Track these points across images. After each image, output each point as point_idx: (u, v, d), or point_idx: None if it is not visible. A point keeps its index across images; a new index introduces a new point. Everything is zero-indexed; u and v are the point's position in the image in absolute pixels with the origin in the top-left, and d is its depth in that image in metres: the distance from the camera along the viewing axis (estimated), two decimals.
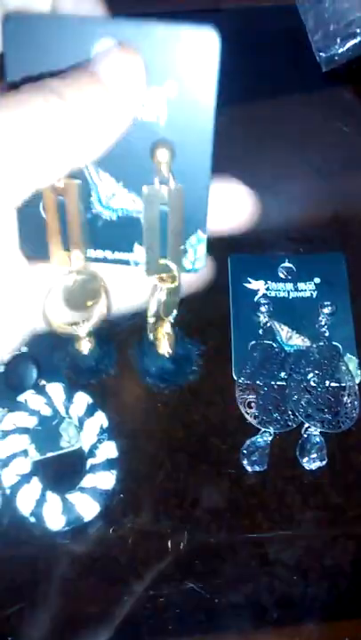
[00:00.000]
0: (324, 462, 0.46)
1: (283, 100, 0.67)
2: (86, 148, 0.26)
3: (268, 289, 0.52)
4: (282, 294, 0.52)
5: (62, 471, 0.47)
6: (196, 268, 0.31)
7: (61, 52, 0.26)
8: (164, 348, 0.33)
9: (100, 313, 0.31)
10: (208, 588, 0.43)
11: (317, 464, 0.45)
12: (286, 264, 0.53)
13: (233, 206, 0.30)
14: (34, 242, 0.30)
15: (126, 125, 0.26)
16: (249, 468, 0.46)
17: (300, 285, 0.52)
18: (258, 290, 0.51)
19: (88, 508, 0.44)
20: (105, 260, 0.30)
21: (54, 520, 0.44)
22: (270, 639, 0.43)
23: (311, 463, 0.45)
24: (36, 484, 0.45)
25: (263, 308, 0.50)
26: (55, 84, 0.25)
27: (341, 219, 0.60)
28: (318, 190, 0.63)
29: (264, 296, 0.51)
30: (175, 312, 0.32)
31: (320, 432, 0.46)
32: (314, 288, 0.52)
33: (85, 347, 0.33)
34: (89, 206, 0.29)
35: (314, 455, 0.45)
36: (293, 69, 0.68)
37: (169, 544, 0.44)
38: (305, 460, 0.46)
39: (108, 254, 0.30)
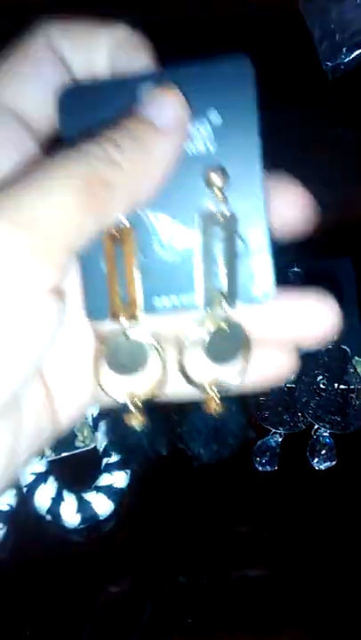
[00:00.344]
0: (333, 462, 0.47)
1: (289, 107, 0.68)
2: (142, 189, 0.27)
3: None
4: None
5: (77, 470, 0.48)
6: (266, 294, 0.28)
7: (115, 110, 0.27)
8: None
9: (154, 380, 0.29)
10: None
11: (327, 464, 0.46)
12: (295, 269, 0.54)
13: (289, 209, 0.29)
14: (97, 303, 0.29)
15: (175, 162, 0.27)
16: (260, 469, 0.47)
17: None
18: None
19: (103, 507, 0.45)
20: (174, 309, 0.29)
21: (71, 518, 0.45)
22: None
23: (321, 463, 0.47)
24: (52, 483, 0.46)
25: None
26: (110, 134, 0.26)
27: (346, 225, 0.61)
28: (322, 197, 0.64)
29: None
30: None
31: (329, 433, 0.47)
32: None
33: (136, 421, 0.29)
34: (152, 252, 0.29)
35: (324, 455, 0.46)
36: (300, 77, 0.69)
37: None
38: (315, 459, 0.47)
39: (175, 300, 0.28)
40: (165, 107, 0.27)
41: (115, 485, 0.46)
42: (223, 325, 0.28)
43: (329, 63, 0.67)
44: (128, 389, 0.29)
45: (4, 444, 0.27)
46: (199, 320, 0.28)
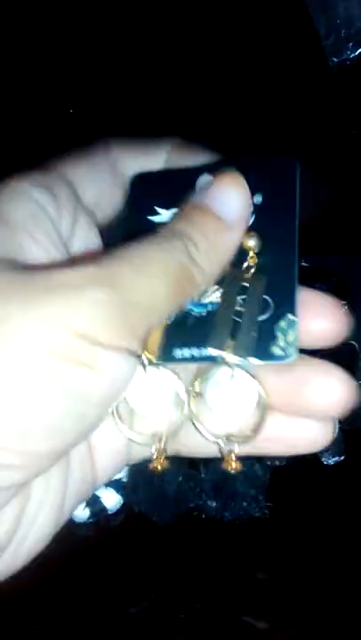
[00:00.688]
0: (342, 457, 0.47)
1: (294, 103, 0.68)
2: (212, 278, 0.28)
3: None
4: None
5: None
6: (289, 355, 0.28)
7: (172, 191, 0.30)
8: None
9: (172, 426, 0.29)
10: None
11: (336, 459, 0.47)
12: (302, 264, 0.54)
13: (323, 322, 0.30)
14: None
15: (237, 245, 0.29)
16: (268, 463, 0.47)
17: (317, 286, 0.53)
18: None
19: (112, 501, 0.46)
20: (193, 359, 0.29)
21: (79, 512, 0.45)
22: None
23: (330, 458, 0.47)
24: None
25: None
26: (187, 230, 0.28)
27: (351, 221, 0.61)
28: (328, 191, 0.64)
29: None
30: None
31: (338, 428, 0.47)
32: (329, 288, 0.53)
33: (160, 466, 0.29)
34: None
35: (332, 450, 0.47)
36: (305, 73, 0.69)
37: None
38: (324, 454, 0.47)
39: (195, 352, 0.29)
40: (232, 201, 0.29)
41: (123, 480, 0.46)
42: (230, 376, 0.29)
43: (335, 59, 0.67)
44: (151, 429, 0.30)
45: (54, 497, 0.27)
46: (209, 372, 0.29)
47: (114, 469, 0.30)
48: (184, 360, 0.29)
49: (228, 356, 0.28)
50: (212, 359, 0.29)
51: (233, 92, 0.68)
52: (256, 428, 0.29)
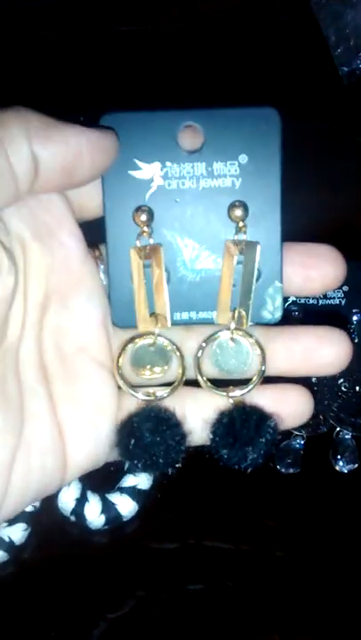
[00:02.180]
0: (356, 465, 0.47)
1: (303, 112, 0.68)
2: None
3: (297, 297, 0.53)
4: (311, 301, 0.53)
5: (100, 471, 0.48)
6: (275, 318, 0.33)
7: (151, 141, 0.31)
8: None
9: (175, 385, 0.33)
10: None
11: (350, 466, 0.47)
12: None
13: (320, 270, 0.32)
14: (124, 311, 0.32)
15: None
16: (283, 471, 0.47)
17: (329, 293, 0.53)
18: (288, 297, 0.53)
19: (127, 508, 0.46)
20: (190, 321, 0.33)
21: (95, 519, 0.45)
22: None
23: (344, 466, 0.47)
24: (76, 484, 0.46)
25: (293, 315, 0.51)
26: None
27: (354, 228, 0.61)
28: (331, 201, 0.64)
29: (294, 303, 0.53)
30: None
31: (352, 436, 0.47)
32: (342, 295, 0.53)
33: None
34: (175, 271, 0.32)
35: (346, 458, 0.47)
36: (314, 83, 0.69)
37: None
38: (338, 462, 0.47)
39: (193, 315, 0.33)
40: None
41: (139, 487, 0.46)
42: (233, 338, 0.33)
43: (345, 68, 0.68)
44: (146, 389, 0.33)
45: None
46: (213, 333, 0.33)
47: (89, 468, 0.33)
48: (181, 322, 0.33)
49: (231, 323, 0.32)
50: (208, 321, 0.32)
51: (240, 101, 0.68)
52: (255, 381, 0.33)
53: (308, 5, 0.68)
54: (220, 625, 0.43)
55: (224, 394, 0.33)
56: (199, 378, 0.33)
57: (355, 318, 0.51)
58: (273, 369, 0.33)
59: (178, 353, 0.33)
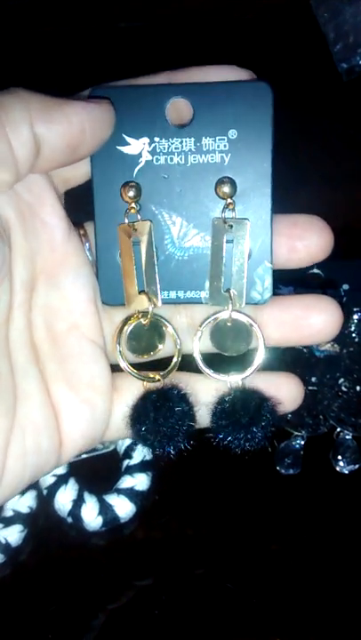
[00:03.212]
0: (357, 465, 0.46)
1: (303, 109, 0.68)
2: None
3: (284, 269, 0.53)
4: None
5: (97, 472, 0.48)
6: (264, 299, 0.32)
7: (139, 116, 0.30)
8: None
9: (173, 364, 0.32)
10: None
11: (351, 467, 0.46)
12: (314, 270, 0.54)
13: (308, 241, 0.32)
14: (112, 289, 0.32)
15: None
16: (283, 472, 0.47)
17: (329, 292, 0.53)
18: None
19: (124, 509, 0.45)
20: (178, 300, 0.32)
21: (92, 520, 0.45)
22: None
23: (345, 467, 0.46)
24: (73, 485, 0.45)
25: None
26: None
27: (355, 227, 0.61)
28: (332, 198, 0.63)
29: None
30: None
31: (352, 436, 0.47)
32: (342, 294, 0.52)
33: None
34: (163, 248, 0.31)
35: (347, 458, 0.46)
36: (314, 79, 0.69)
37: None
38: (339, 463, 0.46)
39: (181, 294, 0.32)
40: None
41: (136, 488, 0.46)
42: (229, 319, 0.32)
43: (344, 65, 0.67)
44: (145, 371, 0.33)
45: None
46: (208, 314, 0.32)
47: (85, 448, 0.32)
48: (169, 301, 0.32)
49: (229, 304, 0.31)
50: (195, 300, 0.32)
51: None
52: (256, 365, 0.32)
53: (308, 2, 0.67)
54: (219, 627, 0.43)
55: (224, 379, 0.32)
56: (199, 362, 0.32)
57: (355, 317, 0.50)
58: (265, 340, 0.32)
59: (173, 333, 0.32)
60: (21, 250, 0.29)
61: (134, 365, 0.33)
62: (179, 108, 0.31)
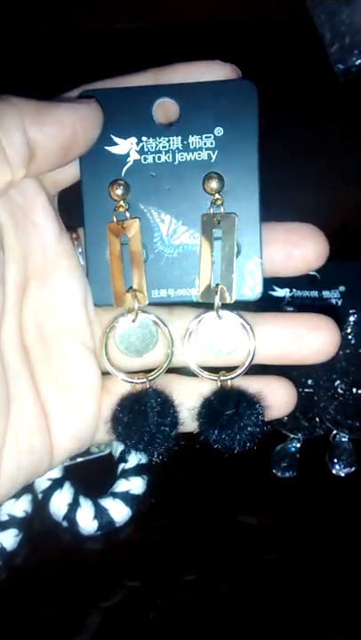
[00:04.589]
0: (353, 468, 0.46)
1: (299, 110, 0.68)
2: None
3: (293, 295, 0.52)
4: (307, 301, 0.52)
5: (93, 476, 0.47)
6: (255, 295, 0.31)
7: (126, 117, 0.31)
8: None
9: (164, 363, 0.32)
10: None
11: (347, 470, 0.46)
12: (311, 272, 0.53)
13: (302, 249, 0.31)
14: (103, 289, 0.31)
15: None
16: (279, 474, 0.46)
17: (325, 293, 0.52)
18: (284, 296, 0.52)
19: (120, 513, 0.45)
20: (168, 299, 0.32)
21: (87, 524, 0.44)
22: None
23: (341, 469, 0.46)
24: (68, 489, 0.45)
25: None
26: None
27: (351, 228, 0.60)
28: (328, 199, 0.63)
29: (289, 303, 0.52)
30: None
31: (349, 439, 0.47)
32: (339, 296, 0.52)
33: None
34: (152, 247, 0.31)
35: (344, 461, 0.46)
36: (310, 80, 0.69)
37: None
38: (335, 466, 0.46)
39: (171, 292, 0.32)
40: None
41: (132, 491, 0.45)
42: (219, 315, 0.31)
43: (340, 66, 0.67)
44: (135, 368, 0.32)
45: None
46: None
47: (76, 451, 0.32)
48: (159, 300, 0.32)
49: (216, 299, 0.31)
50: (186, 299, 0.31)
51: None
52: (244, 361, 0.32)
53: (304, 3, 0.67)
54: (215, 631, 0.43)
55: (214, 378, 0.32)
56: (189, 361, 0.32)
57: (351, 319, 0.50)
58: (261, 356, 0.32)
59: (164, 329, 0.32)
60: (14, 252, 0.29)
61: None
62: (165, 108, 0.31)
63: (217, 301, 0.31)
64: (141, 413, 0.31)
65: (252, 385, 0.32)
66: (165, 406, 0.31)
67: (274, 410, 0.32)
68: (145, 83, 0.31)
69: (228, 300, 0.31)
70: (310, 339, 0.31)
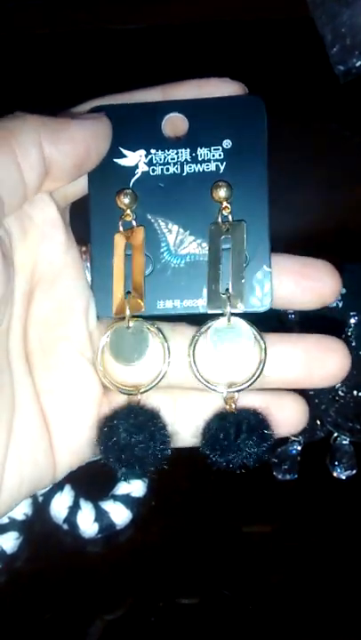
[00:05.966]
0: (354, 471, 0.46)
1: (300, 111, 0.67)
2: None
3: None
4: None
5: (93, 479, 0.47)
6: (264, 305, 0.31)
7: (136, 131, 0.31)
8: None
9: (159, 372, 0.31)
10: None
11: (348, 472, 0.46)
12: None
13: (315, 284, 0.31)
14: (108, 302, 0.31)
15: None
16: (280, 477, 0.46)
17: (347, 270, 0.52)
18: None
19: (121, 516, 0.45)
20: (174, 310, 0.31)
21: (88, 527, 0.44)
22: None
23: (342, 472, 0.46)
24: (68, 492, 0.45)
25: (289, 318, 0.51)
26: None
27: (351, 229, 0.60)
28: (328, 201, 0.63)
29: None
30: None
31: (349, 441, 0.47)
32: (339, 298, 0.52)
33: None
34: (159, 257, 0.31)
35: (344, 464, 0.46)
36: (311, 81, 0.69)
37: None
38: (336, 468, 0.46)
39: (178, 303, 0.31)
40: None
41: (132, 494, 0.45)
42: (229, 323, 0.30)
43: (341, 67, 0.67)
44: (132, 380, 0.31)
45: None
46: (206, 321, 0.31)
47: (76, 464, 0.33)
48: (166, 311, 0.31)
49: (225, 308, 0.30)
50: (193, 310, 0.31)
51: None
52: (255, 374, 0.30)
53: (305, 4, 0.67)
54: (216, 633, 0.43)
55: (221, 391, 0.31)
56: (194, 370, 0.31)
57: (352, 321, 0.50)
58: (271, 379, 0.31)
59: (158, 334, 0.31)
60: (23, 261, 0.29)
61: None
62: (174, 123, 0.31)
63: (228, 310, 0.30)
64: (114, 432, 0.30)
65: (261, 399, 0.31)
66: (144, 423, 0.30)
67: (284, 427, 0.31)
68: (154, 98, 0.31)
69: (238, 308, 0.30)
70: (325, 362, 0.31)
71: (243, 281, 0.30)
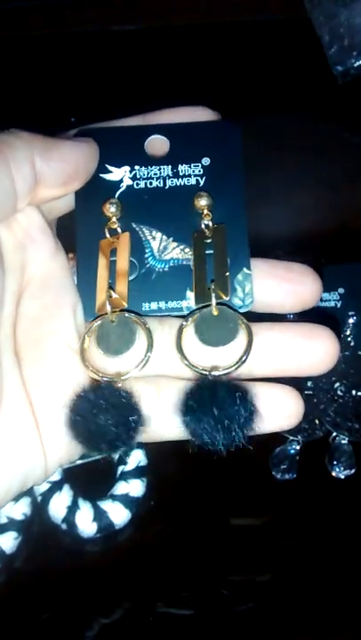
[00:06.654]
0: (353, 470, 0.46)
1: (298, 111, 0.68)
2: None
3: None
4: None
5: (92, 478, 0.47)
6: (246, 304, 0.32)
7: (121, 151, 0.34)
8: None
9: (142, 358, 0.31)
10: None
11: (347, 472, 0.46)
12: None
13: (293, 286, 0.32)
14: (92, 305, 0.32)
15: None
16: (278, 477, 0.46)
17: (325, 295, 0.52)
18: None
19: (120, 516, 0.45)
20: (160, 311, 0.33)
21: (87, 527, 0.44)
22: None
23: (341, 471, 0.46)
24: (67, 492, 0.45)
25: (287, 317, 0.51)
26: None
27: (350, 230, 0.60)
28: (327, 201, 0.63)
29: None
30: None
31: (348, 441, 0.47)
32: (338, 298, 0.52)
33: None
34: (143, 262, 0.33)
35: (343, 463, 0.46)
36: (309, 82, 0.69)
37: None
38: (335, 468, 0.46)
39: (162, 305, 0.33)
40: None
41: (131, 494, 0.45)
42: (215, 310, 0.32)
43: (339, 67, 0.67)
44: (114, 369, 0.32)
45: None
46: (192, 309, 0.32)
47: (67, 461, 0.32)
48: (151, 313, 0.32)
49: (212, 297, 0.31)
50: (177, 311, 0.32)
51: (235, 101, 0.68)
52: (241, 357, 0.31)
53: (302, 5, 0.67)
54: (215, 633, 0.43)
55: (206, 372, 0.31)
56: (180, 355, 0.31)
57: (351, 321, 0.50)
58: (260, 367, 0.32)
59: (143, 325, 0.32)
60: (12, 265, 0.31)
61: None
62: (156, 144, 0.34)
63: (213, 300, 0.31)
64: (78, 404, 0.30)
65: (256, 391, 0.31)
66: (110, 395, 0.30)
67: (276, 419, 0.31)
68: (136, 124, 0.34)
69: (224, 297, 0.32)
70: (311, 349, 0.31)
71: (227, 274, 0.32)
